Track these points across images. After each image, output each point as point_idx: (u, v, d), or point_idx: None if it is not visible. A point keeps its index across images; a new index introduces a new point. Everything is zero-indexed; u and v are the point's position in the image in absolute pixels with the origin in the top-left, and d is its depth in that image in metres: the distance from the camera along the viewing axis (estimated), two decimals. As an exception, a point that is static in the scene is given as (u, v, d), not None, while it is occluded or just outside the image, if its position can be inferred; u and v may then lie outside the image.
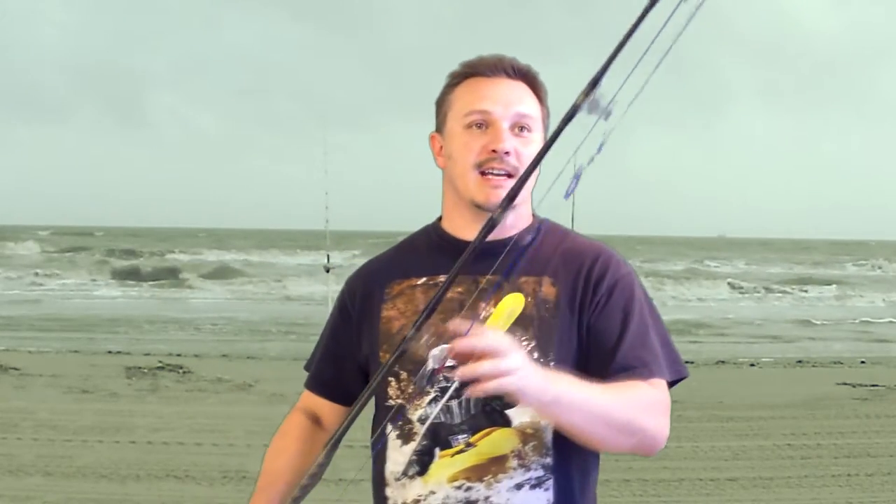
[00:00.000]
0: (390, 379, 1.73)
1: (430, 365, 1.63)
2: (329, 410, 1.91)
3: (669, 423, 1.64)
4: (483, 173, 1.72)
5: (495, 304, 1.70)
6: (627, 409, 1.58)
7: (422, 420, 1.70)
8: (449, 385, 1.68)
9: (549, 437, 1.67)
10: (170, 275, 28.16)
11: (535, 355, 1.66)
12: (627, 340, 1.68)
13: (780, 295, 27.38)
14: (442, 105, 1.79)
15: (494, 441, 1.67)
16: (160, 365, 10.34)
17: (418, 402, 1.71)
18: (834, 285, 29.82)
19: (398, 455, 1.72)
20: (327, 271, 9.98)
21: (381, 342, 1.79)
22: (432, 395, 1.70)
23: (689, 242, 64.11)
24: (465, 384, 1.59)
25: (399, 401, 1.73)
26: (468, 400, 1.67)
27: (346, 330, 1.86)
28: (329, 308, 2.02)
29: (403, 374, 1.73)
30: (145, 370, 10.15)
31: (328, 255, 10.06)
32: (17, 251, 36.57)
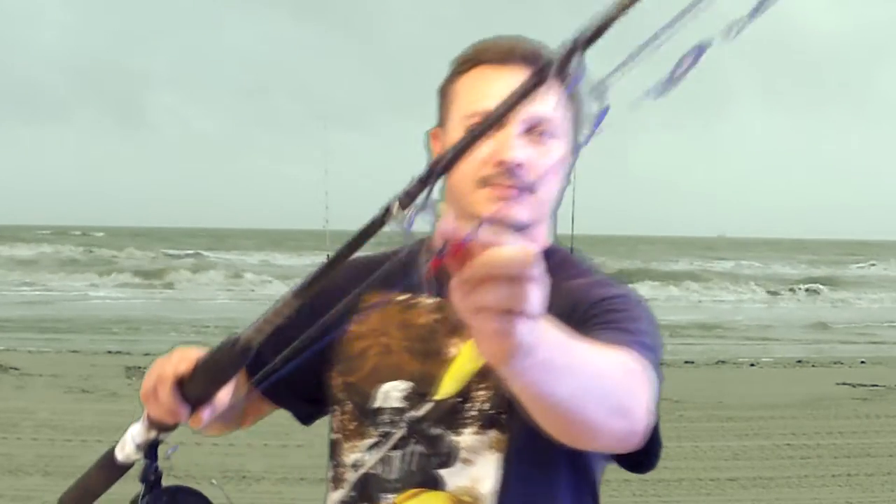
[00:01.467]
0: (335, 407, 1.49)
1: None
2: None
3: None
4: (491, 186, 1.42)
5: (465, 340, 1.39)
6: (621, 375, 1.15)
7: (355, 466, 1.44)
8: (393, 431, 1.41)
9: None
10: (169, 274, 28.15)
11: (488, 406, 1.38)
12: (612, 325, 1.31)
13: (797, 295, 27.29)
14: (444, 96, 1.48)
15: None
16: (160, 365, 10.40)
17: (356, 444, 1.44)
18: (852, 286, 29.81)
19: (329, 501, 1.48)
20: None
21: (335, 360, 1.50)
22: (374, 438, 1.43)
23: (691, 242, 64.13)
24: (413, 430, 1.39)
25: (338, 435, 1.48)
26: (412, 453, 1.39)
27: (304, 314, 1.44)
28: None
29: (349, 405, 1.47)
30: (145, 370, 10.13)
31: (328, 255, 10.05)
32: (16, 251, 36.56)
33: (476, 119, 1.39)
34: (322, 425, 1.56)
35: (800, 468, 6.85)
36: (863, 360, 12.75)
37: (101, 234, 55.81)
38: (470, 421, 1.38)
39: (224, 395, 1.33)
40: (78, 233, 56.10)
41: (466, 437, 1.38)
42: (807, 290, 28.26)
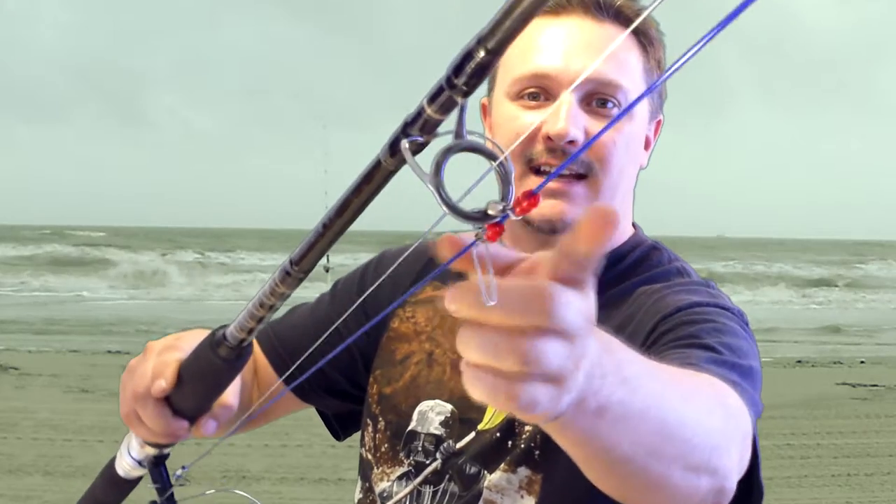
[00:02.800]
0: (368, 421, 1.31)
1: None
2: (266, 383, 1.37)
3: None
4: (538, 171, 1.10)
5: None
6: (707, 418, 0.81)
7: (383, 497, 1.25)
8: (427, 462, 1.21)
9: None
10: (170, 274, 28.15)
11: (531, 445, 1.13)
12: (690, 340, 1.01)
13: (800, 294, 27.25)
14: None
15: None
16: (160, 365, 10.38)
17: (387, 470, 1.25)
18: (854, 286, 29.81)
19: None
20: (326, 271, 9.92)
21: (376, 362, 1.32)
22: (406, 468, 1.24)
23: (691, 242, 64.10)
24: (449, 464, 1.18)
25: (368, 455, 1.30)
26: (444, 492, 1.19)
27: (343, 306, 1.36)
28: None
29: (382, 423, 1.28)
30: (145, 370, 10.16)
31: (328, 255, 10.03)
32: (16, 251, 36.56)
33: (524, 84, 1.12)
34: (319, 423, 1.55)
35: (800, 468, 6.84)
36: (863, 360, 12.75)
37: (101, 234, 55.80)
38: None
39: (228, 398, 1.06)
40: (78, 233, 56.10)
41: (493, 475, 1.16)
42: (805, 292, 28.24)
